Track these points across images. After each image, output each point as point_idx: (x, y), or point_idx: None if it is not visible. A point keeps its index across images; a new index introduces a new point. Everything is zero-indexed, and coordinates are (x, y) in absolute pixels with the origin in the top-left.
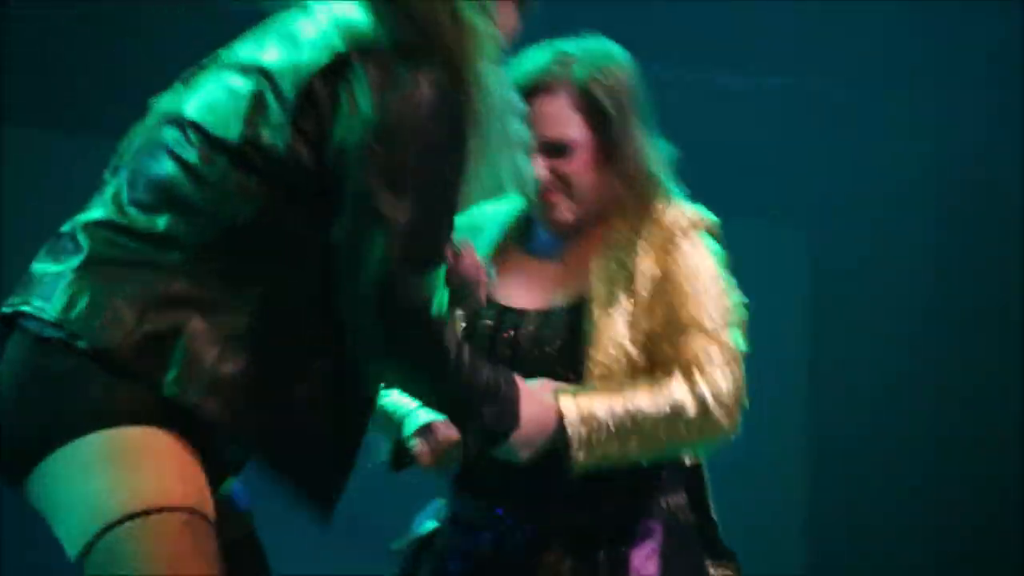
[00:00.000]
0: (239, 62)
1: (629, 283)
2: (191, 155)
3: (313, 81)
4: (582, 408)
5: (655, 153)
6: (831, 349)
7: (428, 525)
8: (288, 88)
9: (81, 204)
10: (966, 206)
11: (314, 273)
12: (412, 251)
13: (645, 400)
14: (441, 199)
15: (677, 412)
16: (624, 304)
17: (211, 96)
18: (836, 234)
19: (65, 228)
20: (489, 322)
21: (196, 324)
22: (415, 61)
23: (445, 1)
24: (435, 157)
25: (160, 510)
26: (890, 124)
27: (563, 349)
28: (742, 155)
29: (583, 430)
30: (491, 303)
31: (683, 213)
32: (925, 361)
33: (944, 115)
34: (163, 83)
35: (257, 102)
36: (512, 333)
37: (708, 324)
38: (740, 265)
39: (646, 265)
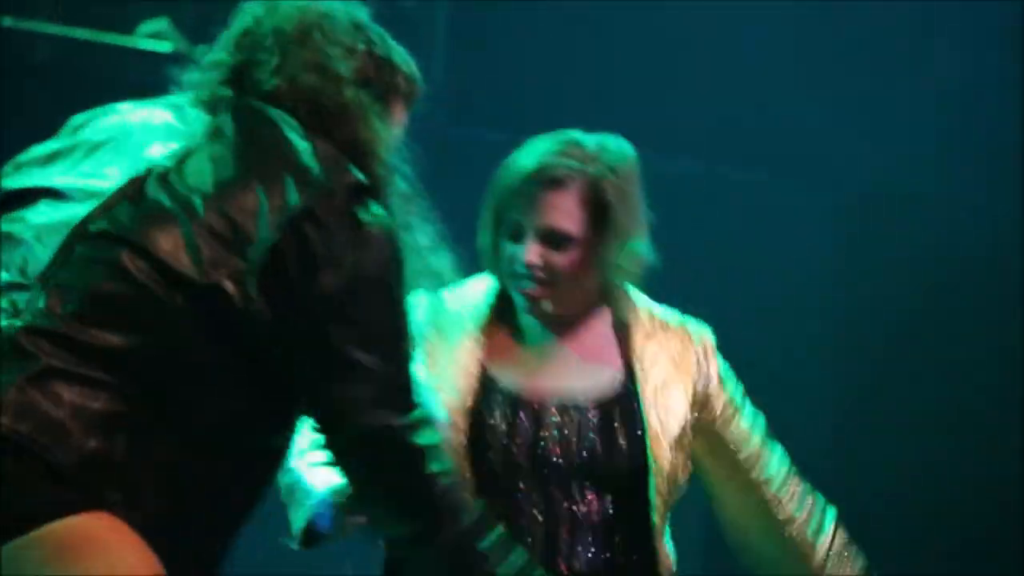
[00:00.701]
0: (186, 187)
1: (684, 378)
2: (144, 280)
3: (281, 236)
4: None
5: (642, 253)
6: None
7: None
8: (255, 236)
9: None
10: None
11: (242, 401)
12: (391, 396)
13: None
14: (404, 337)
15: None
16: (681, 401)
17: (161, 222)
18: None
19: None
20: (502, 423)
21: (127, 444)
22: (361, 201)
23: (361, 115)
24: (395, 300)
25: None
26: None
27: (597, 452)
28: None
29: None
30: (498, 391)
31: (696, 331)
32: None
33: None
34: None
35: (222, 245)
36: (534, 430)
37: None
38: None
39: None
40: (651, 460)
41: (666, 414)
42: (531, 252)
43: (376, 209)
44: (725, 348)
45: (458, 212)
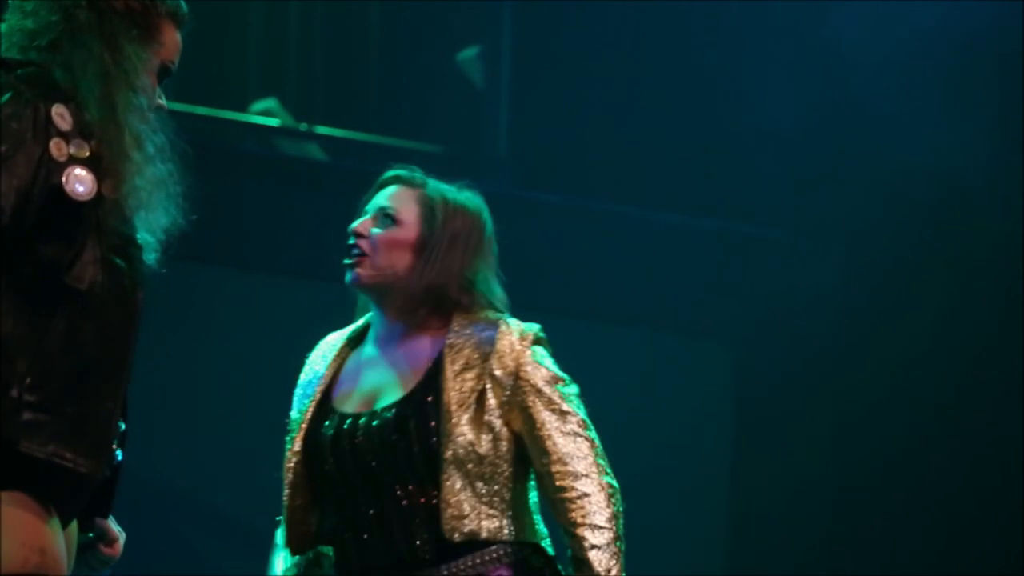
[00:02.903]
0: None
1: (479, 387)
2: None
3: None
4: None
5: (482, 278)
6: (752, 455)
7: None
8: None
9: None
10: (874, 323)
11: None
12: None
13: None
14: None
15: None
16: (475, 406)
17: None
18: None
19: None
20: (332, 429)
21: None
22: None
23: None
24: None
25: None
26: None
27: (402, 446)
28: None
29: None
30: (330, 410)
31: (515, 329)
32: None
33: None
34: None
35: None
36: (352, 439)
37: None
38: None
39: (496, 372)
40: (442, 451)
41: (460, 394)
42: (362, 223)
43: None
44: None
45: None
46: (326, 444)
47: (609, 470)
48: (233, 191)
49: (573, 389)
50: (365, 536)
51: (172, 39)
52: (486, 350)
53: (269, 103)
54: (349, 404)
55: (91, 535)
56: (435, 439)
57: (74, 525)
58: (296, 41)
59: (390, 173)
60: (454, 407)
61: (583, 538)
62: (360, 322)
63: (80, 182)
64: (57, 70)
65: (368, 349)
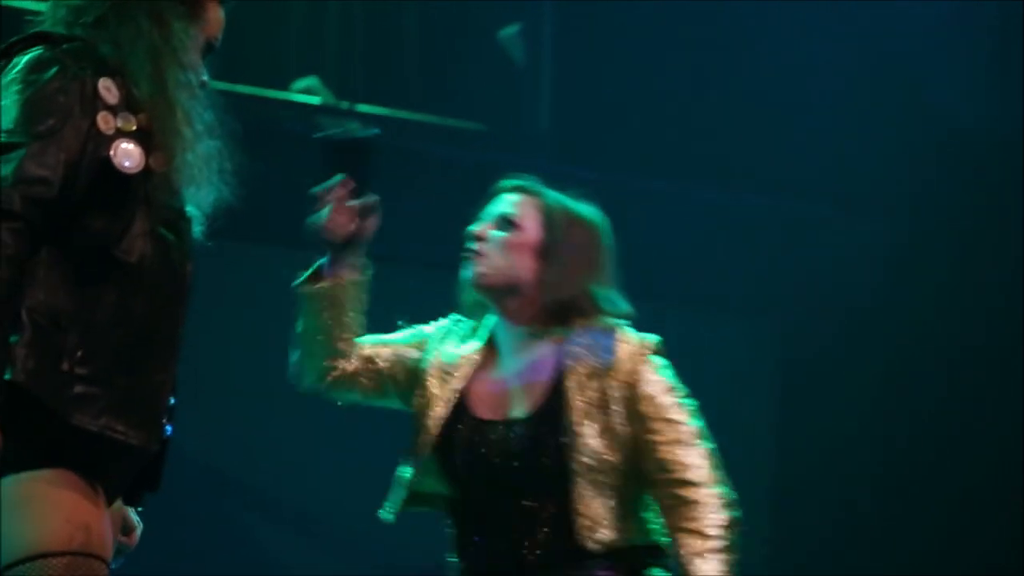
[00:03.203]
0: None
1: (602, 397)
2: None
3: None
4: None
5: (605, 289)
6: (798, 431)
7: None
8: None
9: None
10: (924, 307)
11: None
12: None
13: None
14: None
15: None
16: (599, 415)
17: None
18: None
19: None
20: (464, 433)
21: None
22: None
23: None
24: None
25: (44, 556)
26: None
27: (529, 459)
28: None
29: None
30: (464, 411)
31: (634, 339)
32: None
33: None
34: None
35: None
36: (483, 447)
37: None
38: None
39: (617, 382)
40: (573, 463)
41: (587, 405)
42: (481, 227)
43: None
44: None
45: None
46: (459, 446)
47: (724, 480)
48: (275, 170)
49: (690, 401)
50: (490, 540)
51: (216, 16)
52: (607, 359)
53: (310, 82)
54: (481, 408)
55: (139, 509)
56: (564, 450)
57: (118, 503)
58: (337, 20)
59: (509, 182)
60: (581, 417)
61: (691, 545)
62: (482, 323)
63: (127, 155)
64: (103, 45)
65: (496, 354)
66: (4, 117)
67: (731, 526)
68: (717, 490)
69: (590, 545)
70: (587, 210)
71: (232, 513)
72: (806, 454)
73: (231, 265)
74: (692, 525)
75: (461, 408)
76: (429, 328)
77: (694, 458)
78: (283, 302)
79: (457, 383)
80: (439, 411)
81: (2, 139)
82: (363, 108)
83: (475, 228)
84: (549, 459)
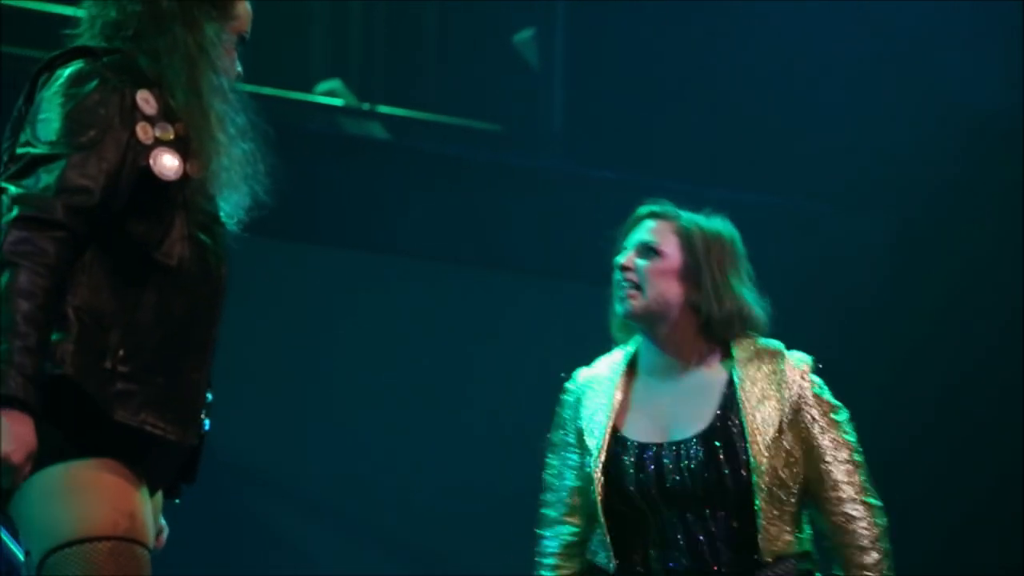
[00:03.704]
0: None
1: (777, 417)
2: None
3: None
4: None
5: (749, 304)
6: None
7: None
8: None
9: None
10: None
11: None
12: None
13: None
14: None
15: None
16: (774, 434)
17: None
18: None
19: None
20: (631, 459)
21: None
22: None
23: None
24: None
25: (90, 540)
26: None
27: (713, 476)
28: None
29: None
30: (623, 439)
31: (795, 359)
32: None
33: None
34: None
35: None
36: (655, 468)
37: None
38: None
39: (788, 402)
40: (755, 478)
41: (763, 424)
42: (626, 257)
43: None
44: None
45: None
46: (626, 473)
47: (873, 489)
48: (299, 170)
49: (845, 415)
50: (672, 557)
51: (244, 10)
52: (778, 380)
53: (333, 84)
54: (641, 433)
55: (177, 501)
56: (745, 468)
57: (159, 495)
58: (359, 24)
59: (644, 209)
60: (758, 436)
61: (851, 558)
62: (626, 350)
63: (166, 164)
64: (142, 57)
65: (647, 379)
66: (46, 129)
67: (883, 535)
68: (872, 501)
69: (769, 558)
70: (720, 224)
71: (255, 507)
72: None
73: (254, 262)
74: (851, 540)
75: (617, 438)
76: (562, 428)
77: (853, 473)
78: (304, 298)
79: (607, 418)
80: (598, 455)
81: (45, 150)
82: (384, 109)
83: (621, 259)
84: (729, 477)
